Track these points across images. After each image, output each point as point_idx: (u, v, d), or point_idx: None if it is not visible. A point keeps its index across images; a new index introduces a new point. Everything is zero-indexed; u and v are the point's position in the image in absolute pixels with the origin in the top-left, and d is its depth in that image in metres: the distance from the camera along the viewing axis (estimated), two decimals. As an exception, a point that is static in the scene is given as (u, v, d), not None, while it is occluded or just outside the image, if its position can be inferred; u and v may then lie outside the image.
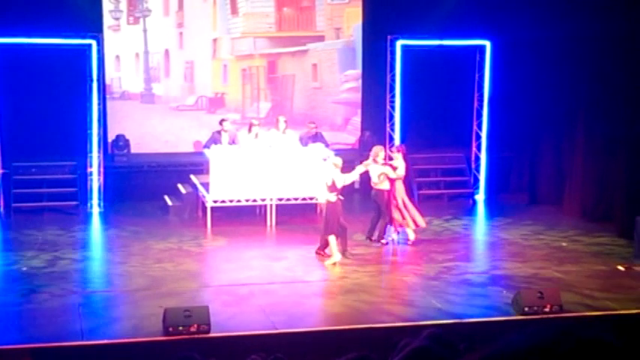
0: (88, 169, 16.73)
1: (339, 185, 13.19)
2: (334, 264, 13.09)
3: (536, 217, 16.37)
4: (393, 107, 17.95)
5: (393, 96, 17.92)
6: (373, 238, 14.27)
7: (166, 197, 16.82)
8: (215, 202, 15.34)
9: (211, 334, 9.99)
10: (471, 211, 17.60)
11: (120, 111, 17.93)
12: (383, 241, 14.29)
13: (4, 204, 16.46)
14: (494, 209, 17.40)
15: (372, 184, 14.26)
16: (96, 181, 16.69)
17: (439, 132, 18.25)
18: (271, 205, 15.56)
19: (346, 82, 18.93)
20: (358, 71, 18.83)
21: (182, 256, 13.66)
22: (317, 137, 16.76)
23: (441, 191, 18.32)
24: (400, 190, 14.31)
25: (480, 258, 14.34)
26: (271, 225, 15.55)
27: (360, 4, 18.60)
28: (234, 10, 18.34)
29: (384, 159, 14.52)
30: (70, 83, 16.80)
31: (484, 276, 12.79)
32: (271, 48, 18.57)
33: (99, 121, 16.78)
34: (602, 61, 15.58)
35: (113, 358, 9.81)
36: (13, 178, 16.51)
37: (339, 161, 13.44)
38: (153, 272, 12.71)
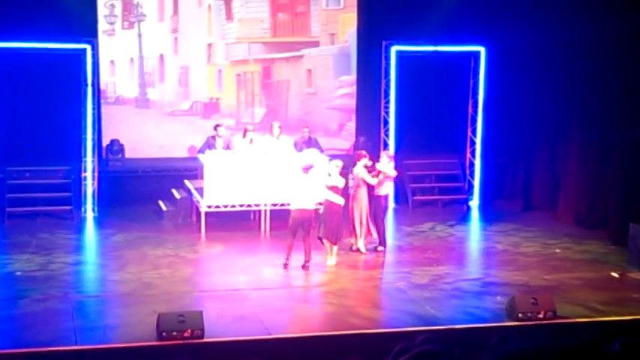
0: (83, 174, 16.71)
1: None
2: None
3: (531, 224, 16.37)
4: (387, 113, 17.96)
5: (387, 102, 17.94)
6: (379, 249, 14.29)
7: (160, 202, 16.80)
8: (209, 207, 15.34)
9: (205, 340, 9.97)
10: (465, 217, 17.61)
11: (114, 116, 17.93)
12: (380, 248, 14.28)
13: (-3, 208, 16.43)
14: (489, 215, 17.40)
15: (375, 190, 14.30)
16: (90, 186, 16.67)
17: (434, 138, 18.26)
18: (265, 211, 15.56)
19: (341, 88, 18.95)
20: (353, 77, 18.85)
21: (176, 261, 13.64)
22: (311, 142, 16.78)
23: (436, 197, 18.33)
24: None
25: (473, 264, 14.33)
26: (265, 230, 15.55)
27: (355, 10, 18.63)
28: (229, 16, 18.35)
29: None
30: (65, 88, 16.77)
31: (478, 282, 12.79)
32: (266, 53, 18.58)
33: (93, 125, 16.77)
34: (597, 66, 15.61)
35: (106, 363, 9.82)
36: (7, 182, 16.47)
37: (340, 163, 13.66)
38: (146, 277, 12.69)
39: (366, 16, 18.51)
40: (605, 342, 4.71)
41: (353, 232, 14.11)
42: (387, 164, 14.37)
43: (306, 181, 13.24)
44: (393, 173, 14.47)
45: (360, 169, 14.06)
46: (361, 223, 14.04)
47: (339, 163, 13.70)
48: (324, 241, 13.30)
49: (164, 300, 11.54)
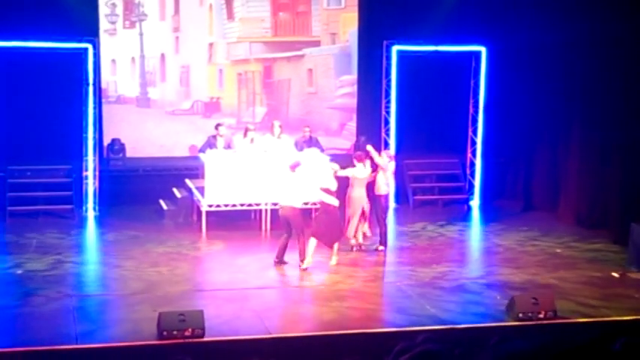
0: (84, 173, 16.72)
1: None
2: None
3: (531, 223, 16.38)
4: (388, 113, 17.97)
5: (388, 101, 17.94)
6: (379, 249, 14.31)
7: (161, 201, 16.81)
8: (210, 206, 15.34)
9: (205, 339, 9.98)
10: (465, 216, 17.61)
11: (115, 115, 17.94)
12: (380, 247, 14.29)
13: (-2, 207, 16.45)
14: (489, 215, 17.40)
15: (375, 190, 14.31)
16: (91, 185, 16.67)
17: (434, 138, 18.27)
18: (266, 210, 15.57)
19: (342, 88, 18.95)
20: (354, 76, 18.85)
21: (177, 260, 13.65)
22: (312, 141, 16.79)
23: (436, 197, 18.33)
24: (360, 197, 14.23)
25: (474, 264, 14.33)
26: (266, 230, 15.56)
27: (356, 9, 18.63)
28: (230, 15, 18.36)
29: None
30: (66, 87, 16.78)
31: (479, 282, 12.79)
32: (267, 53, 18.58)
33: (94, 124, 16.78)
34: (597, 66, 15.62)
35: (107, 363, 9.83)
36: (8, 181, 16.48)
37: (336, 166, 13.67)
38: (148, 276, 12.71)
39: (367, 16, 18.51)
40: (605, 342, 4.72)
41: (351, 231, 14.11)
42: (387, 163, 14.37)
43: (292, 178, 13.27)
44: (381, 161, 14.34)
45: (356, 171, 14.05)
46: (365, 219, 14.07)
47: (336, 166, 13.69)
48: (311, 240, 13.24)
49: (165, 299, 11.54)
